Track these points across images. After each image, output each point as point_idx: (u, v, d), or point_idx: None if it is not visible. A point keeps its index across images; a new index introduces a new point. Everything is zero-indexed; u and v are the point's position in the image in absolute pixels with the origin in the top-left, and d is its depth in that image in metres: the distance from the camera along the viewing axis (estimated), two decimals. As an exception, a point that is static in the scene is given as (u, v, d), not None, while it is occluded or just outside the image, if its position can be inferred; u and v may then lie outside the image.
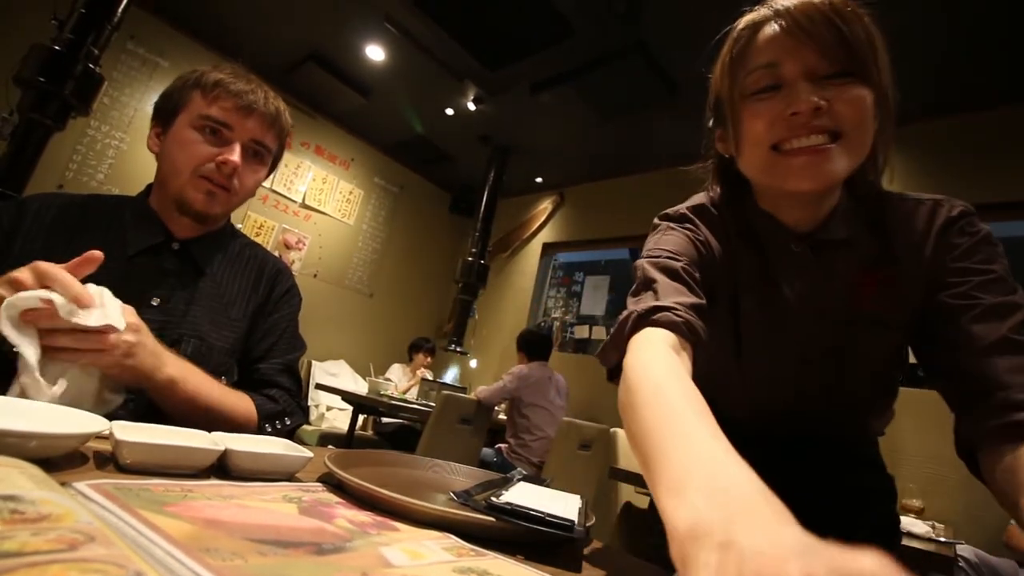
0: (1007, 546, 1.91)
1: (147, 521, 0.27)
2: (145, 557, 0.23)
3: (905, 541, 1.34)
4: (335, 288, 4.42)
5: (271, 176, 0.90)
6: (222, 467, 0.45)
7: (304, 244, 4.21)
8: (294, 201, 4.14)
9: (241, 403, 0.72)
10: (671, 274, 0.53)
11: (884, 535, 0.66)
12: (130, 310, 0.56)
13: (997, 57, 2.38)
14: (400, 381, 3.74)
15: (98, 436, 0.41)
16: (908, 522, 1.50)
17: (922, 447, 2.46)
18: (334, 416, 3.82)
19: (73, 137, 3.11)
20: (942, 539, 1.43)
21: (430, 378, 3.61)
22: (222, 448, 0.44)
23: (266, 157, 0.81)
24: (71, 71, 2.11)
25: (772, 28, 0.50)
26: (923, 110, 2.77)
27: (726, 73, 0.54)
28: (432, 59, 3.22)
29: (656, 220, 0.64)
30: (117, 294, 0.55)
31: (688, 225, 0.61)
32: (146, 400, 0.64)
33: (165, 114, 0.77)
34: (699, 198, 0.65)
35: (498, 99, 3.50)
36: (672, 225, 0.61)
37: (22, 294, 0.47)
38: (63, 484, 0.30)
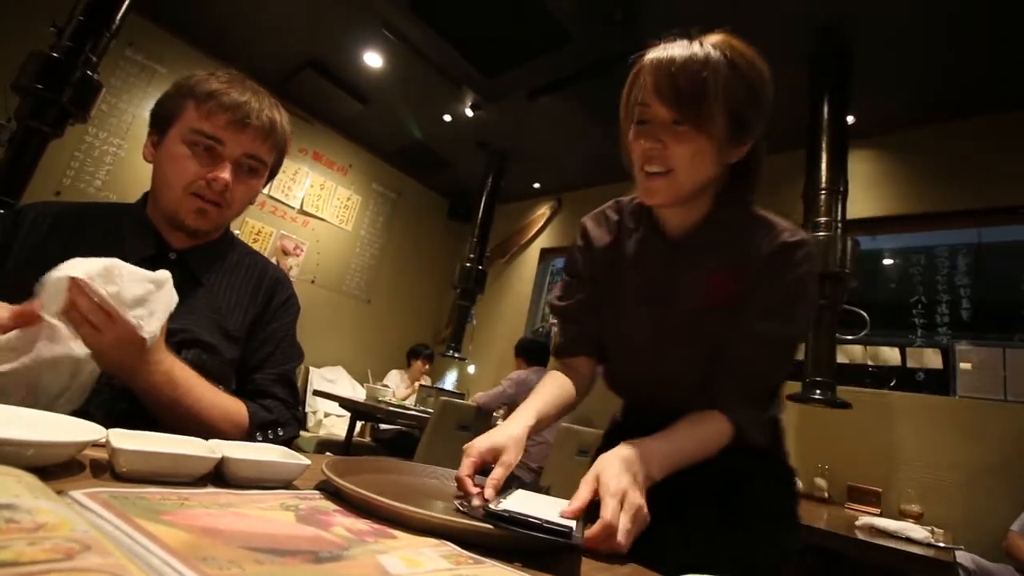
0: (1007, 553, 1.91)
1: (144, 530, 0.27)
2: (142, 566, 0.23)
3: (904, 547, 1.34)
4: (333, 294, 4.42)
5: (269, 183, 0.89)
6: (219, 475, 0.45)
7: (302, 250, 4.21)
8: (292, 207, 4.15)
9: (232, 408, 0.71)
10: (561, 316, 0.82)
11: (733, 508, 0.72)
12: None
13: (997, 62, 2.40)
14: (398, 387, 3.73)
15: (95, 444, 0.41)
16: (908, 527, 1.50)
17: (920, 453, 2.46)
18: (332, 423, 3.80)
19: (71, 144, 3.11)
20: (941, 544, 1.43)
21: (428, 384, 3.60)
22: (219, 456, 0.44)
23: (261, 170, 0.79)
24: (69, 78, 2.12)
25: (645, 79, 0.64)
26: (922, 114, 2.79)
27: (627, 98, 0.67)
28: (430, 65, 3.23)
29: None
30: None
31: (579, 238, 0.82)
32: (129, 404, 0.64)
33: (159, 123, 0.76)
34: (609, 203, 0.82)
35: (496, 105, 3.52)
36: (571, 247, 0.83)
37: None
38: (59, 492, 0.29)
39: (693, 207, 0.69)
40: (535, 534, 0.42)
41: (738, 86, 0.61)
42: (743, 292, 0.67)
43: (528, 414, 0.67)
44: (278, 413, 0.78)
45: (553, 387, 0.75)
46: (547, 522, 0.43)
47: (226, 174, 0.72)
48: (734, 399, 0.66)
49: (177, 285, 0.75)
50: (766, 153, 0.69)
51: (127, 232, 0.75)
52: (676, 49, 0.62)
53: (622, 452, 0.57)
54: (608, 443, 0.81)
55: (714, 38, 0.63)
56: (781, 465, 0.77)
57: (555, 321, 0.82)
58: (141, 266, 0.73)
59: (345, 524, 0.38)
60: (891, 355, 2.78)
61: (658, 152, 0.63)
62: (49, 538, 0.23)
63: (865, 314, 2.44)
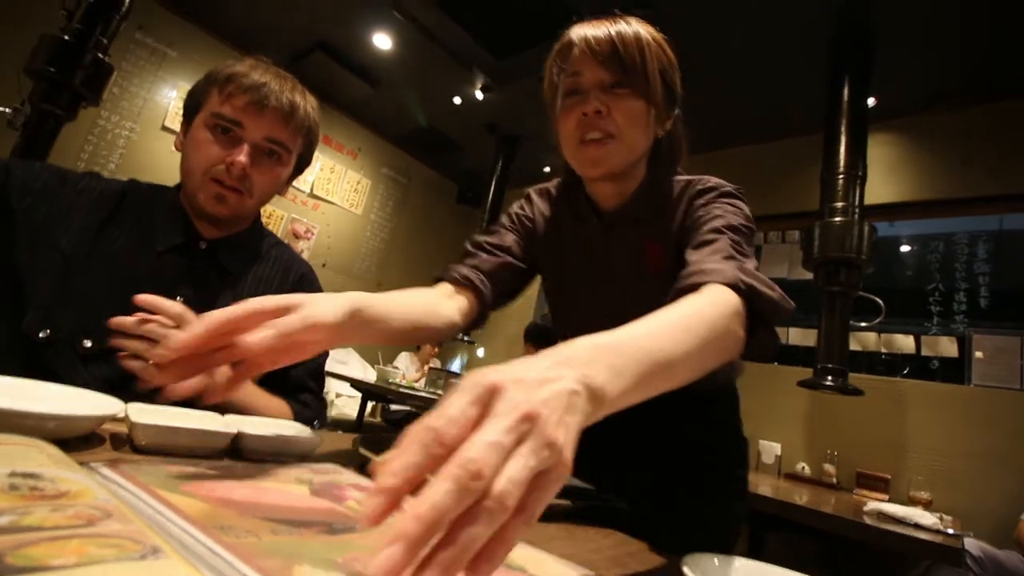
0: (1017, 542, 1.90)
1: (163, 499, 0.28)
2: (161, 533, 0.23)
3: (913, 532, 1.34)
4: (344, 278, 4.45)
5: (298, 175, 0.86)
6: (235, 449, 0.46)
7: (313, 234, 4.23)
8: (302, 191, 4.15)
9: (282, 412, 0.73)
10: (476, 248, 0.76)
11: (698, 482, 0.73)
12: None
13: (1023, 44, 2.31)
14: (408, 370, 3.77)
15: (114, 418, 0.42)
16: (916, 513, 1.50)
17: (931, 440, 2.44)
18: (344, 403, 3.86)
19: (84, 127, 3.13)
20: (950, 531, 1.43)
21: (438, 367, 3.64)
22: (235, 432, 0.45)
23: (284, 156, 0.77)
24: (80, 61, 2.12)
25: (577, 48, 0.63)
26: (946, 95, 2.71)
27: (550, 78, 0.67)
28: (439, 47, 3.19)
29: None
30: (145, 289, 0.53)
31: (524, 204, 0.80)
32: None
33: (188, 112, 0.76)
34: (553, 181, 0.80)
35: (506, 88, 3.46)
36: (510, 211, 0.81)
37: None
38: (81, 464, 0.30)
39: (626, 182, 0.69)
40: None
41: (662, 54, 0.64)
42: (675, 256, 0.65)
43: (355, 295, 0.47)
44: (314, 408, 0.80)
45: (414, 295, 0.60)
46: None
47: (243, 157, 0.71)
48: (723, 264, 0.51)
49: (205, 275, 0.76)
50: (684, 133, 0.70)
51: (159, 219, 0.75)
52: (606, 22, 0.63)
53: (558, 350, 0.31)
54: None
55: (633, 19, 0.64)
56: (735, 433, 0.77)
57: (467, 251, 0.76)
58: (171, 254, 0.73)
59: (357, 498, 0.38)
60: (905, 343, 2.75)
61: (599, 118, 0.61)
62: (72, 505, 0.23)
63: (880, 301, 2.40)
